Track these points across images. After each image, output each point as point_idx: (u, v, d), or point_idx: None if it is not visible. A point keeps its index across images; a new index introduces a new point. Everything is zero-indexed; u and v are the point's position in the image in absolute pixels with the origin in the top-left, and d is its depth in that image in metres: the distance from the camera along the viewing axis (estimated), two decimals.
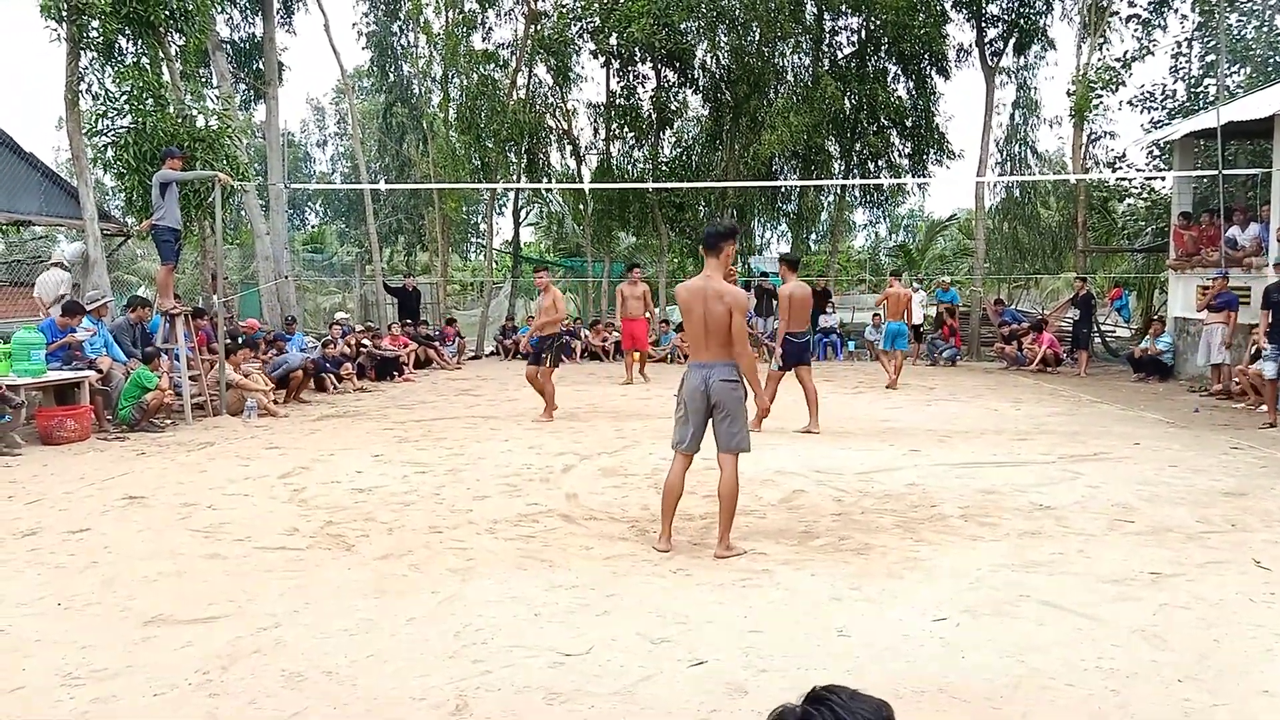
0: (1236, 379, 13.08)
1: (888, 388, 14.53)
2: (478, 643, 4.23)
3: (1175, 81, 22.83)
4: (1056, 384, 15.43)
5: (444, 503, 6.95)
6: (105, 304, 11.71)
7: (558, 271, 31.13)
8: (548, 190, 28.77)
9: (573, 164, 24.36)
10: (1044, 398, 13.47)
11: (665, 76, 22.08)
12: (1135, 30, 21.74)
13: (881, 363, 15.80)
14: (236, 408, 11.49)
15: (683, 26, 20.16)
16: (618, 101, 22.36)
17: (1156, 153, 22.28)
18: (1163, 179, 21.85)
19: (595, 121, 23.57)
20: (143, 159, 12.48)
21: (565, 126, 23.42)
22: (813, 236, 27.23)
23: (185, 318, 11.59)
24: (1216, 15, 19.93)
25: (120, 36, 13.15)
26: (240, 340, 12.72)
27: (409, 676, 3.88)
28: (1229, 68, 21.72)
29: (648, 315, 15.95)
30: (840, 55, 22.25)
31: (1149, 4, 21.57)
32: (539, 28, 21.45)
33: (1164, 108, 22.65)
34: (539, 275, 11.87)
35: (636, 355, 15.51)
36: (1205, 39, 22.07)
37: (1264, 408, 12.07)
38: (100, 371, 10.38)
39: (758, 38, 20.65)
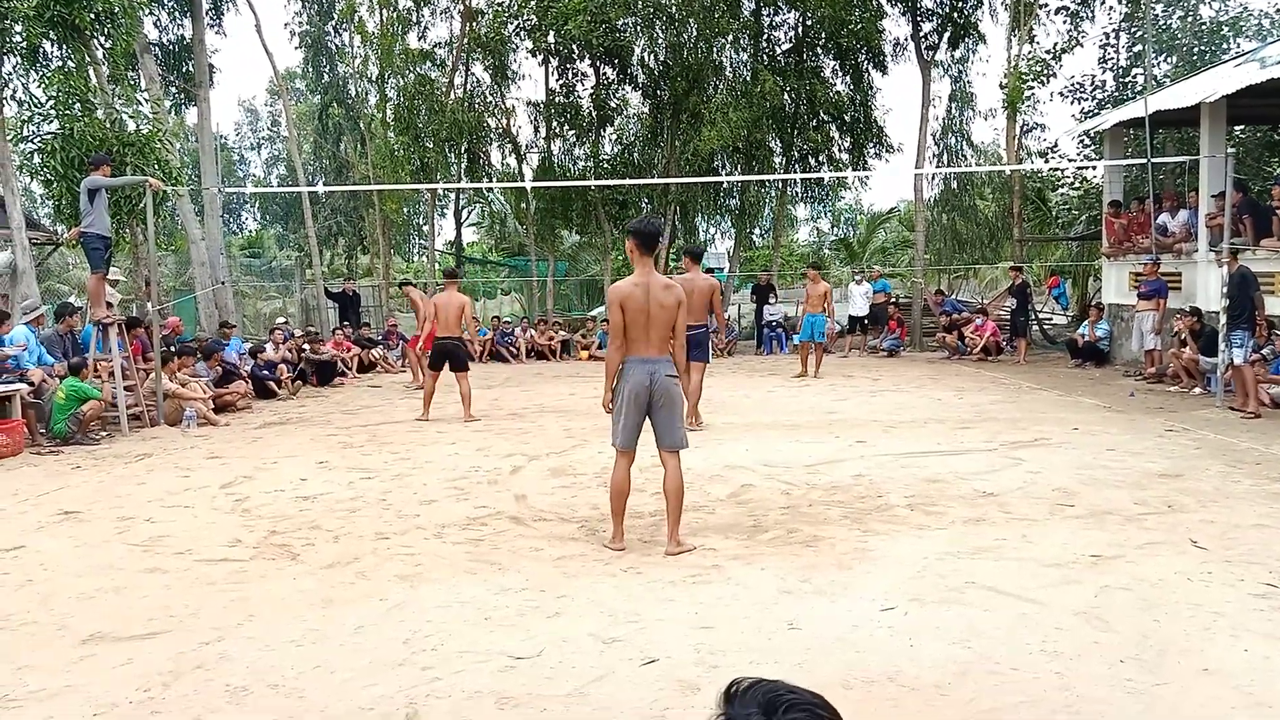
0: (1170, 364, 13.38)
1: (796, 377, 14.95)
2: (427, 649, 4.19)
3: (1104, 72, 23.33)
4: (997, 372, 15.69)
5: (391, 508, 6.86)
6: (40, 314, 11.44)
7: (501, 271, 30.91)
8: (489, 190, 28.59)
9: (514, 163, 24.28)
10: (985, 386, 13.68)
11: (604, 74, 22.07)
12: (1064, 22, 22.18)
13: (800, 354, 15.69)
14: (174, 418, 11.26)
15: (620, 23, 20.13)
16: (557, 99, 22.30)
17: (1087, 142, 22.76)
18: (1094, 168, 22.33)
19: (535, 120, 23.55)
20: (70, 165, 12.20)
21: (505, 125, 23.30)
22: (756, 231, 27.41)
23: (119, 327, 11.33)
24: (1143, 6, 20.37)
25: (45, 40, 12.81)
26: (173, 348, 12.47)
27: (357, 686, 3.82)
28: (1156, 58, 22.21)
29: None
30: (778, 50, 22.39)
31: None
32: (475, 26, 21.32)
33: (1093, 98, 23.13)
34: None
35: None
36: (1132, 30, 22.57)
37: (1197, 390, 12.37)
38: (31, 384, 10.11)
39: (695, 34, 20.68)
